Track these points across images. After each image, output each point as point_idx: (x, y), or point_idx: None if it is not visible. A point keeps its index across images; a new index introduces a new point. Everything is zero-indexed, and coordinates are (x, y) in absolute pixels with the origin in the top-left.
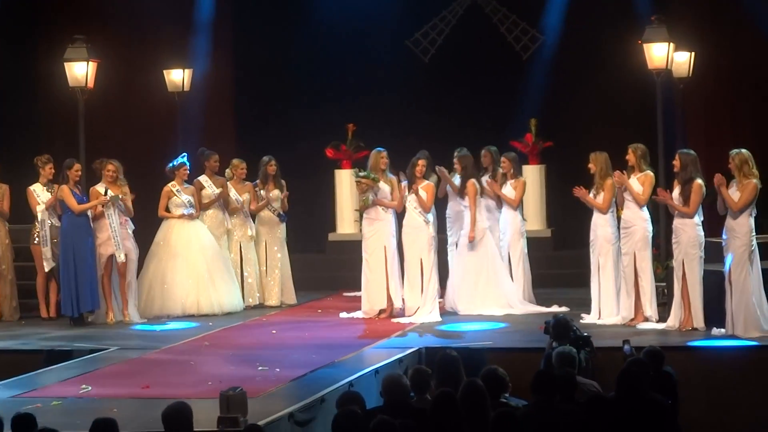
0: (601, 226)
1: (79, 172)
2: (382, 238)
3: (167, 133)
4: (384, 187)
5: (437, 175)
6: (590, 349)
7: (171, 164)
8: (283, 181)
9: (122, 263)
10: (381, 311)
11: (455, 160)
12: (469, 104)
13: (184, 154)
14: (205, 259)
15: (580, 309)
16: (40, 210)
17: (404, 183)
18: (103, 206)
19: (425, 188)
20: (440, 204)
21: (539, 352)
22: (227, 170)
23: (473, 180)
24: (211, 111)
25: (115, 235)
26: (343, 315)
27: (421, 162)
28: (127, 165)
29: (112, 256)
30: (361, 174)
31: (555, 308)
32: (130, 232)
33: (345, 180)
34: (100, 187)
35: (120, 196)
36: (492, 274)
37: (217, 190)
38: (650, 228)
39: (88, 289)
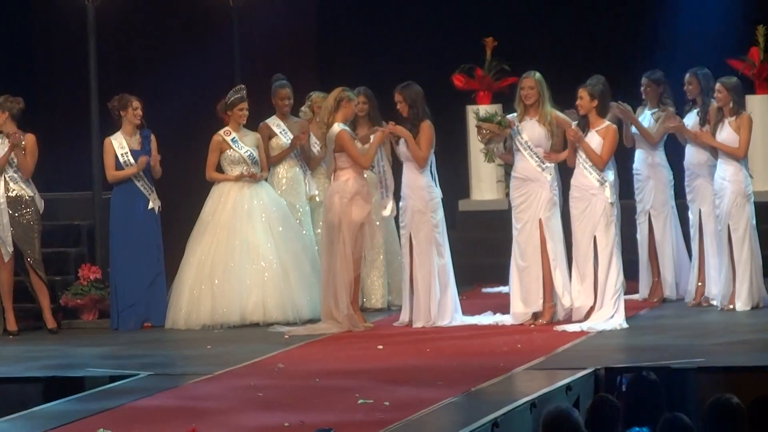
0: None
1: (139, 112)
2: (537, 206)
3: (217, 57)
4: (535, 128)
5: (618, 114)
6: None
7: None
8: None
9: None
10: (537, 315)
11: (644, 86)
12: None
13: (242, 86)
14: (275, 241)
15: None
16: None
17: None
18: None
19: (603, 132)
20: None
21: None
22: (303, 108)
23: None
24: (283, 23)
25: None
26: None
27: (584, 92)
28: (156, 104)
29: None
30: (483, 117)
31: None
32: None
33: None
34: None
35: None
36: None
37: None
38: None
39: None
